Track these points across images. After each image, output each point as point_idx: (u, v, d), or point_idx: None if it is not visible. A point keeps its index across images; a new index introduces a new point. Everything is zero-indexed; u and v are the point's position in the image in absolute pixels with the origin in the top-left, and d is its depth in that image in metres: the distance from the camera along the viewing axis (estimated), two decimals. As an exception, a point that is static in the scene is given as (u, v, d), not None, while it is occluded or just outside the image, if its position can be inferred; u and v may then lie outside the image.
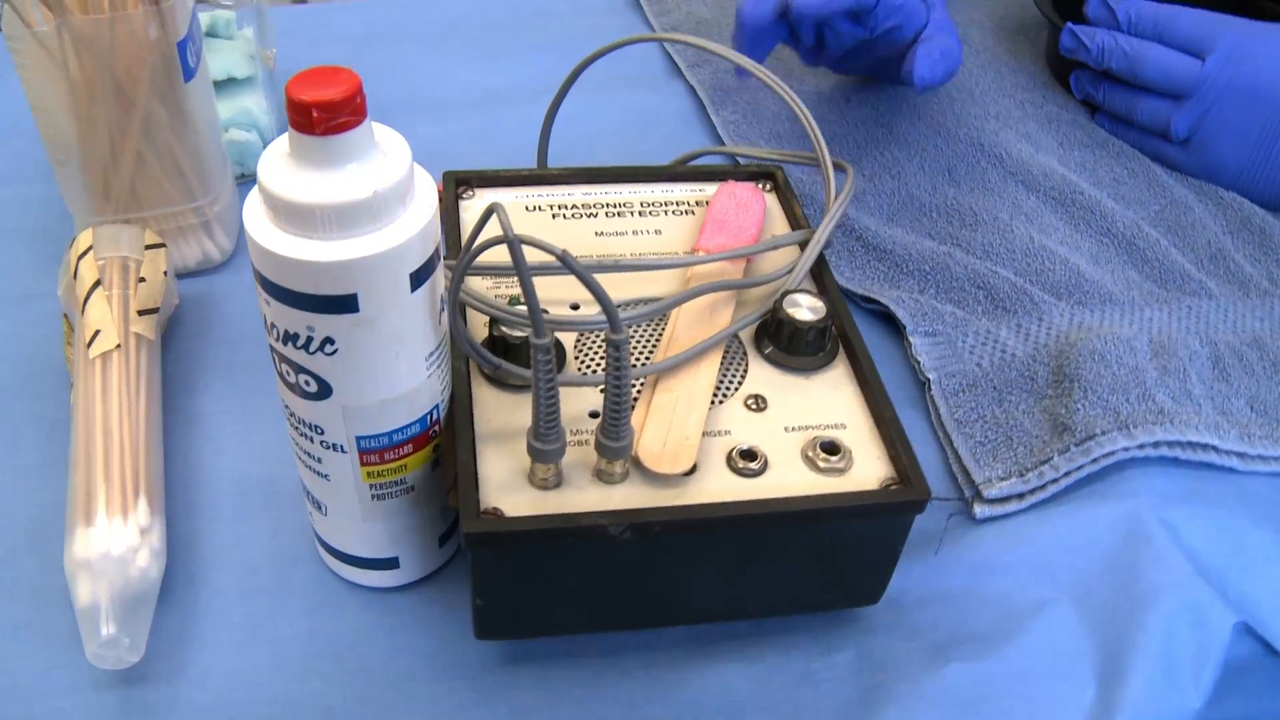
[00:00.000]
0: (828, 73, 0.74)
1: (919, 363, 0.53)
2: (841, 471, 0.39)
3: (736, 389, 0.42)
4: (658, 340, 0.44)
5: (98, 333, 0.47)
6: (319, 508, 0.41)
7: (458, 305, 0.37)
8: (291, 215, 0.32)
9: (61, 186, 0.54)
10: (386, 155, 0.33)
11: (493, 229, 0.35)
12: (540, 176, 0.52)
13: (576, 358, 0.42)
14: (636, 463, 0.38)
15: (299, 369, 0.36)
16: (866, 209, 0.63)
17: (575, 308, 0.44)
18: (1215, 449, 0.48)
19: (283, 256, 0.33)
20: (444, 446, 0.40)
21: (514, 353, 0.40)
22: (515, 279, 0.45)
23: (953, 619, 0.43)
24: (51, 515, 0.44)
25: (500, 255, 0.33)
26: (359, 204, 0.32)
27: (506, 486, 0.37)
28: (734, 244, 0.47)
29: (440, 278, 0.37)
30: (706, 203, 0.51)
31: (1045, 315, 0.55)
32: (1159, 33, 0.65)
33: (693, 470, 0.38)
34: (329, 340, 0.34)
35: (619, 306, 0.44)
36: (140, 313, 0.49)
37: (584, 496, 0.37)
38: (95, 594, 0.39)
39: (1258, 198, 0.64)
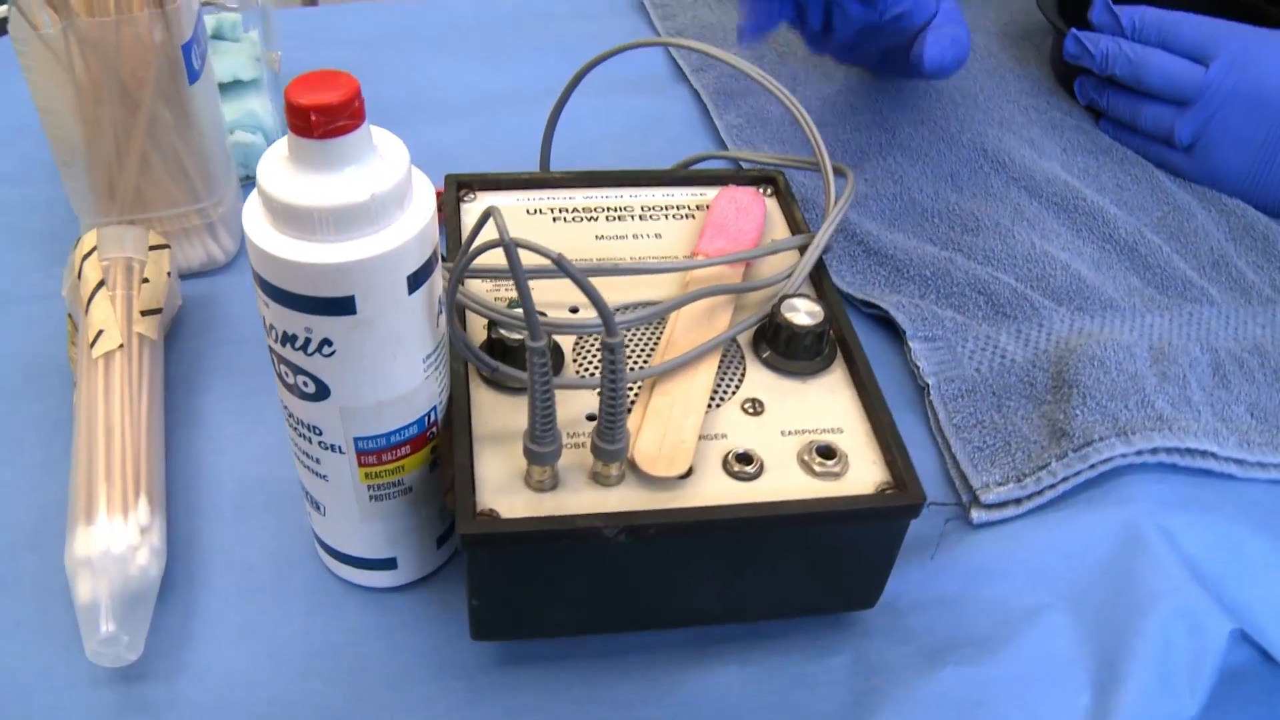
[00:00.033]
0: (832, 76, 0.74)
1: (918, 367, 0.53)
2: (837, 476, 0.39)
3: (734, 393, 0.42)
4: (656, 343, 0.44)
5: (101, 333, 0.47)
6: (318, 508, 0.41)
7: (455, 307, 0.37)
8: (289, 217, 0.33)
9: (67, 187, 0.54)
10: (384, 158, 0.34)
11: (490, 232, 0.35)
12: (541, 180, 0.52)
13: (575, 360, 0.43)
14: (633, 465, 0.38)
15: (297, 370, 0.36)
16: (868, 213, 0.63)
17: (574, 311, 0.44)
18: (1214, 455, 0.48)
19: (281, 258, 0.33)
20: (442, 448, 0.40)
21: (511, 355, 0.40)
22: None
23: (948, 624, 0.43)
24: (53, 513, 0.44)
25: (500, 258, 0.33)
26: (356, 207, 0.32)
27: (503, 488, 0.37)
28: (734, 248, 0.47)
29: (439, 280, 0.37)
30: (707, 207, 0.51)
31: (1046, 321, 0.55)
32: (1163, 39, 0.64)
33: (689, 473, 0.38)
34: (327, 342, 0.35)
35: (617, 310, 0.44)
36: (143, 313, 0.49)
37: (580, 499, 0.37)
38: (95, 592, 0.39)
39: (1261, 204, 0.64)
